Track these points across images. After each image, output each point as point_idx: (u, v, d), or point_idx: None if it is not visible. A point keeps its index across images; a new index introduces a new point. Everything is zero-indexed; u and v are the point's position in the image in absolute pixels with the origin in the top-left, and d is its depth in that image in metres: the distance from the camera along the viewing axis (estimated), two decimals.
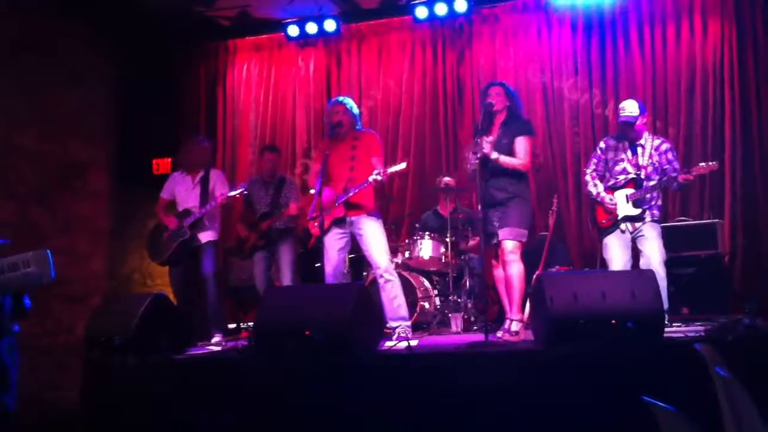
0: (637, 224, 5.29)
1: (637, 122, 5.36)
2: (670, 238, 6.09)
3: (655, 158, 5.35)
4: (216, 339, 6.00)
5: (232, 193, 6.05)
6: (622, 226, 5.33)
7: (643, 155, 5.36)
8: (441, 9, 7.78)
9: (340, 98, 5.77)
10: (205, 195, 6.22)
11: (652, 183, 5.28)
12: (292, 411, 4.01)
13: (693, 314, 5.99)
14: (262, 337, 4.36)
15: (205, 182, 6.30)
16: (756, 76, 6.91)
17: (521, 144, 5.03)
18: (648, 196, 5.29)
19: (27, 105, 6.93)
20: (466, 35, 8.02)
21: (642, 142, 5.40)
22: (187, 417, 4.19)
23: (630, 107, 5.40)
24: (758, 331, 4.02)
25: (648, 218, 5.27)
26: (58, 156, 7.31)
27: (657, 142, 5.41)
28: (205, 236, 6.21)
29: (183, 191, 6.34)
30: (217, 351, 5.35)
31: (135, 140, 8.26)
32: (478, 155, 4.88)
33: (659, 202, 5.37)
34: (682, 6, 7.32)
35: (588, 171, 5.62)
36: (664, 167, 5.34)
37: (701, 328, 4.66)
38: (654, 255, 5.16)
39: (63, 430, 5.40)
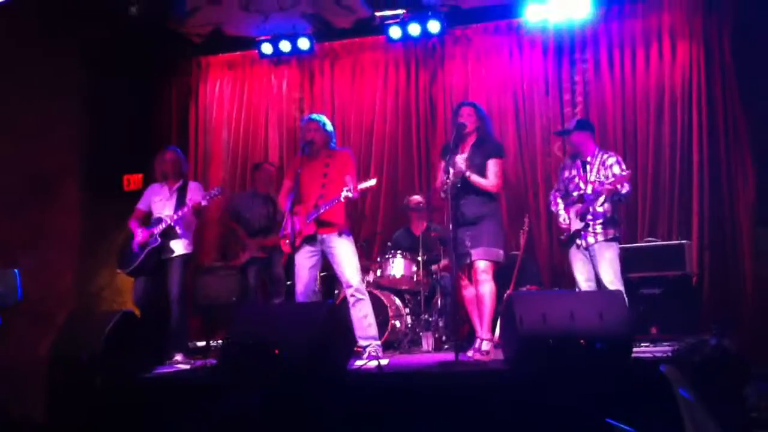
0: (590, 241, 5.32)
1: (573, 134, 5.54)
2: (638, 259, 6.18)
3: (602, 173, 5.39)
4: (177, 358, 5.89)
5: (205, 199, 5.96)
6: (577, 241, 5.41)
7: (590, 171, 5.45)
8: (414, 29, 7.76)
9: (314, 115, 5.77)
10: (182, 204, 6.09)
11: (594, 196, 5.30)
12: (260, 430, 3.98)
13: (661, 334, 6.05)
14: (230, 356, 4.33)
15: (182, 191, 6.20)
16: (723, 99, 6.96)
17: (492, 166, 5.08)
18: (591, 209, 5.32)
19: None
20: (438, 55, 8.07)
21: (590, 159, 5.50)
22: None
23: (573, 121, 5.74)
24: (724, 351, 4.06)
25: (601, 237, 5.28)
26: (26, 167, 7.15)
27: (605, 157, 5.47)
28: (178, 247, 6.09)
29: (158, 201, 6.23)
30: (186, 369, 5.29)
31: (106, 154, 8.15)
32: (454, 172, 4.94)
33: (613, 216, 5.36)
34: (651, 29, 7.40)
35: (552, 191, 5.74)
36: (610, 181, 5.36)
37: (669, 348, 4.69)
38: (604, 275, 5.21)
39: None
